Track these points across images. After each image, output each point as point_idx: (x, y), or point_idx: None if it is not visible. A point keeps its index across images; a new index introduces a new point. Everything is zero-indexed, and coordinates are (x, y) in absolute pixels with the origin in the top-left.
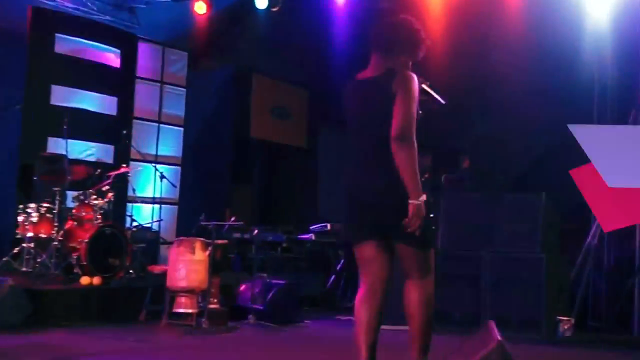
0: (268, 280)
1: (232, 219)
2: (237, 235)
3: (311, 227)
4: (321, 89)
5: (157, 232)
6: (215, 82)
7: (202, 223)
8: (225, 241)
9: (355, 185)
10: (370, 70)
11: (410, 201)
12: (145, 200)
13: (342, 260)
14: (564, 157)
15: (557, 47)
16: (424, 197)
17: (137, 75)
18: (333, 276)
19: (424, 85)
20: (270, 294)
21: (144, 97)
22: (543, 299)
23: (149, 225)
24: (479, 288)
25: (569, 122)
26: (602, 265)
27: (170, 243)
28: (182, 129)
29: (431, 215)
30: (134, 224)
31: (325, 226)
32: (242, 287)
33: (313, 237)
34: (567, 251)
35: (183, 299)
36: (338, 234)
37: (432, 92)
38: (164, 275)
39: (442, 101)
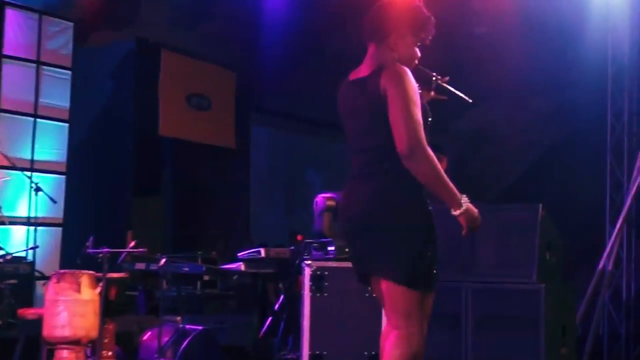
0: (182, 325)
1: (132, 243)
2: (140, 265)
3: (240, 254)
4: (253, 70)
5: (32, 264)
6: (111, 61)
7: (89, 250)
8: (124, 274)
9: (342, 208)
10: (363, 68)
11: (453, 213)
12: (16, 221)
13: (282, 297)
14: (569, 157)
15: (559, 18)
16: (465, 200)
17: (4, 53)
18: (270, 319)
19: (441, 82)
20: (184, 344)
21: (13, 82)
22: (541, 341)
23: (21, 254)
24: (459, 329)
25: (577, 113)
26: (620, 297)
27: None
28: (66, 124)
29: (429, 250)
30: (0, 253)
31: (259, 252)
32: (147, 336)
33: (243, 267)
34: (573, 279)
35: (65, 353)
36: (276, 262)
37: (452, 89)
38: (39, 321)
39: (468, 99)
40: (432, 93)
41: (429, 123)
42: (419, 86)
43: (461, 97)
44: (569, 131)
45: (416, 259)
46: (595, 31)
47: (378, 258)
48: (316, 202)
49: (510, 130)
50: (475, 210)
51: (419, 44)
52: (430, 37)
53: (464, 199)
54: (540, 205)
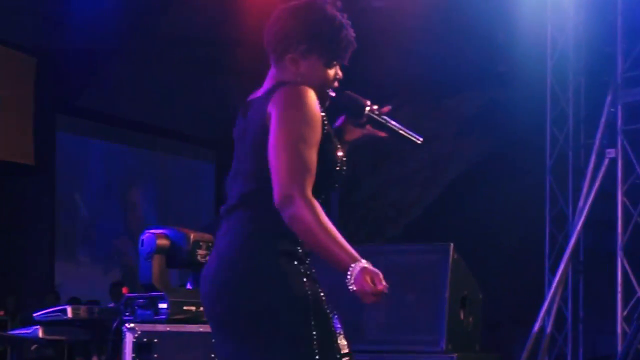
0: None
1: None
2: None
3: (38, 314)
4: (61, 56)
5: None
6: None
7: None
8: None
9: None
10: (264, 86)
11: (347, 275)
12: None
13: None
14: (495, 179)
15: None
16: (361, 264)
17: None
18: None
19: (376, 114)
20: None
21: None
22: None
23: None
24: None
25: (507, 119)
26: None
27: None
28: None
29: (327, 312)
30: None
31: (64, 311)
32: None
33: (40, 333)
34: (499, 347)
35: None
36: (88, 325)
37: (394, 123)
38: None
39: (418, 139)
40: (367, 127)
41: (337, 171)
42: (347, 120)
43: (408, 135)
44: (495, 142)
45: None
46: (530, 9)
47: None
48: (142, 240)
49: (415, 144)
50: (369, 276)
51: (334, 63)
52: (347, 55)
53: (360, 264)
54: (452, 244)
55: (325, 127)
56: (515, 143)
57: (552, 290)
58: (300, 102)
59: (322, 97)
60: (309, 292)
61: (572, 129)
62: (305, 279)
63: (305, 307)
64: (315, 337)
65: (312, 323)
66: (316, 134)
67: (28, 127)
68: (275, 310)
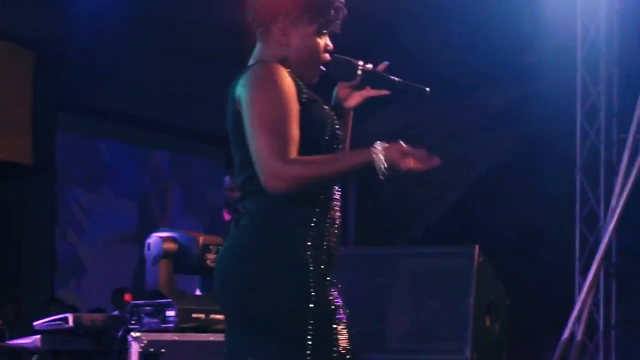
0: None
1: None
2: None
3: (38, 323)
4: (62, 48)
5: None
6: None
7: None
8: None
9: None
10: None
11: (371, 156)
12: None
13: None
14: (523, 178)
15: None
16: (377, 146)
17: None
18: None
19: (367, 70)
20: None
21: None
22: None
23: None
24: None
25: (535, 115)
26: None
27: None
28: None
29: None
30: None
31: (65, 320)
32: None
33: (40, 343)
34: (528, 354)
35: None
36: (91, 334)
37: (392, 78)
38: None
39: (423, 87)
40: (367, 89)
41: (326, 139)
42: (343, 85)
43: (409, 85)
44: (523, 138)
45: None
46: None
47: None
48: (148, 244)
49: (440, 139)
50: (401, 147)
51: (324, 31)
52: (339, 22)
53: (375, 148)
54: (477, 247)
55: (304, 96)
56: (544, 139)
57: (582, 295)
58: (266, 80)
59: (312, 68)
60: (311, 306)
61: (604, 124)
62: (312, 290)
63: (303, 322)
64: (309, 355)
65: (309, 341)
66: (290, 107)
67: (26, 125)
68: (272, 321)
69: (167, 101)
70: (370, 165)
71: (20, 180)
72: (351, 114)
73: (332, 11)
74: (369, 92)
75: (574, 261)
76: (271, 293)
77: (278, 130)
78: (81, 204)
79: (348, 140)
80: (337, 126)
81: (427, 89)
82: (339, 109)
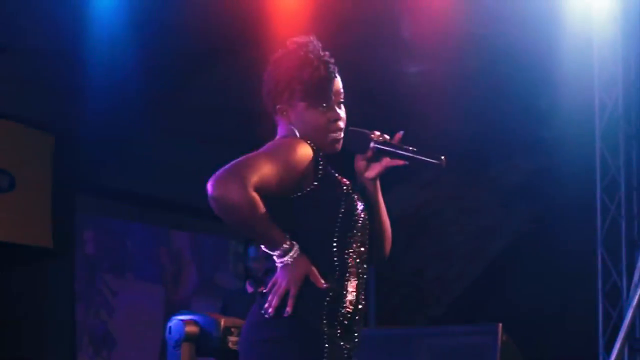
0: None
1: None
2: None
3: None
4: (80, 132)
5: None
6: None
7: None
8: None
9: None
10: None
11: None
12: None
13: None
14: (542, 249)
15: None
16: (293, 252)
17: None
18: None
19: (380, 142)
20: None
21: None
22: None
23: None
24: None
25: (555, 184)
26: None
27: None
28: None
29: None
30: None
31: None
32: None
33: None
34: None
35: None
36: None
37: (406, 150)
38: None
39: (437, 161)
40: (385, 160)
41: (342, 220)
42: (359, 157)
43: (423, 156)
44: (542, 213)
45: None
46: (576, 72)
47: None
48: (169, 327)
49: (458, 214)
50: (299, 269)
51: (323, 106)
52: (338, 93)
53: (288, 252)
54: (500, 325)
55: (320, 170)
56: (564, 213)
57: None
58: (278, 141)
59: (322, 142)
60: None
61: (625, 198)
62: (325, 353)
63: None
64: None
65: None
66: (285, 157)
67: (46, 208)
68: None
69: (185, 182)
70: (272, 250)
71: (40, 264)
72: (376, 184)
73: (320, 85)
74: (387, 163)
75: (598, 337)
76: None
77: (254, 157)
78: (110, 287)
79: (380, 208)
80: (355, 202)
81: (443, 158)
82: (362, 181)
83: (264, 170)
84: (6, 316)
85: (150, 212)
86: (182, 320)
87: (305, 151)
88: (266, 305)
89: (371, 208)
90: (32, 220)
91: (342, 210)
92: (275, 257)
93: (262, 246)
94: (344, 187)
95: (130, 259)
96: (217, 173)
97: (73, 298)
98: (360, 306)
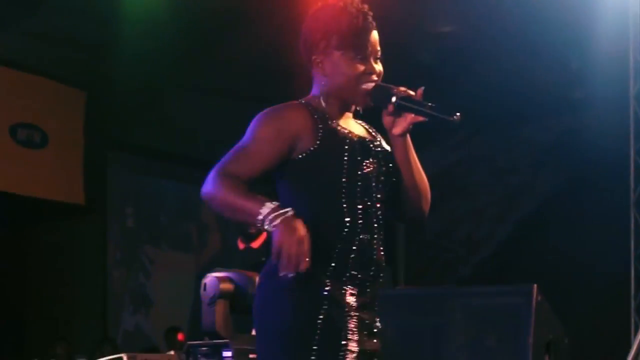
0: None
1: None
2: None
3: None
4: (112, 89)
5: None
6: None
7: None
8: None
9: None
10: None
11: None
12: None
13: None
14: (575, 213)
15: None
16: (275, 213)
17: None
18: None
19: (401, 99)
20: None
21: None
22: None
23: None
24: None
25: (586, 149)
26: None
27: None
28: None
29: None
30: None
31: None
32: None
33: None
34: None
35: None
36: None
37: (427, 106)
38: None
39: (453, 118)
40: (409, 116)
41: (345, 182)
42: (384, 113)
43: (439, 113)
44: (573, 175)
45: None
46: (610, 32)
47: None
48: (204, 284)
49: (489, 174)
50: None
51: (359, 57)
52: (375, 46)
53: (267, 208)
54: (535, 285)
55: (320, 129)
56: (596, 175)
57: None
58: (259, 116)
59: (352, 94)
60: (292, 326)
61: None
62: (321, 314)
63: (308, 341)
64: None
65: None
66: (267, 130)
67: (77, 165)
68: (262, 340)
69: (214, 141)
70: (255, 221)
71: (72, 220)
72: (406, 141)
73: (362, 34)
74: (411, 119)
75: (630, 299)
76: (281, 309)
77: (239, 149)
78: (148, 255)
79: (411, 165)
80: (359, 156)
81: (458, 115)
82: (392, 138)
83: (242, 157)
84: (39, 271)
85: (180, 169)
86: (216, 277)
87: (286, 115)
88: (280, 274)
89: (402, 165)
90: (64, 176)
91: (345, 167)
92: (265, 226)
93: (250, 224)
94: (348, 142)
95: (164, 232)
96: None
97: (105, 254)
98: (373, 263)
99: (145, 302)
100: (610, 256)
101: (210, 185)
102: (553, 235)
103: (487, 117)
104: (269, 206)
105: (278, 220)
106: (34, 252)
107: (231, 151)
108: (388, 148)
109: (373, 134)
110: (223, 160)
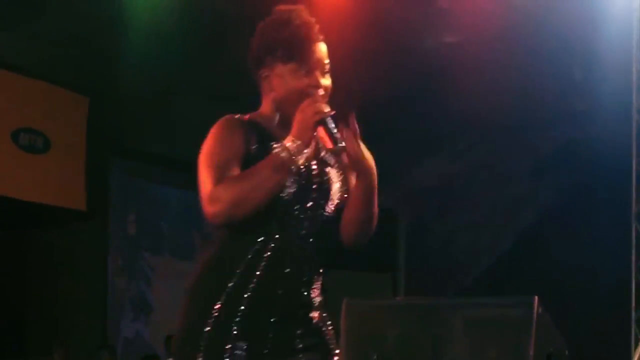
0: None
1: None
2: None
3: None
4: (115, 94)
5: None
6: None
7: None
8: None
9: None
10: None
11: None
12: None
13: None
14: (577, 224)
15: (565, 21)
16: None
17: None
18: None
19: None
20: None
21: None
22: None
23: None
24: None
25: (589, 159)
26: None
27: None
28: None
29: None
30: None
31: None
32: None
33: None
34: None
35: None
36: None
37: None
38: None
39: (335, 144)
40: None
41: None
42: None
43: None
44: (574, 185)
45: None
46: (612, 44)
47: None
48: None
49: (491, 184)
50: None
51: (303, 69)
52: (321, 59)
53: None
54: (536, 297)
55: (253, 148)
56: (597, 186)
57: None
58: (211, 132)
59: (294, 109)
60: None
61: None
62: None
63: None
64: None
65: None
66: (215, 142)
67: (80, 171)
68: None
69: None
70: (284, 163)
71: (74, 226)
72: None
73: (298, 45)
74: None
75: (630, 311)
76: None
77: (211, 160)
78: (149, 263)
79: (360, 201)
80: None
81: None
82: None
83: (204, 174)
84: (39, 276)
85: (183, 175)
86: None
87: (224, 133)
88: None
89: (355, 196)
90: (66, 182)
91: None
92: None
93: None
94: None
95: (166, 240)
96: (203, 198)
97: (106, 260)
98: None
99: (146, 309)
100: (611, 268)
101: (217, 200)
102: (554, 246)
103: (488, 127)
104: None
105: (295, 144)
106: (34, 257)
107: (203, 174)
108: (334, 176)
109: (322, 155)
110: (204, 182)
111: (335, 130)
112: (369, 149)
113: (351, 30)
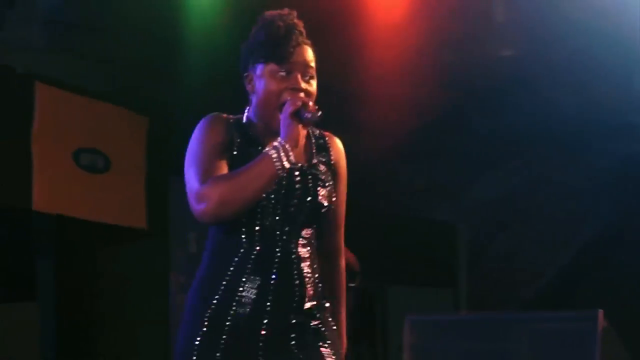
0: None
1: None
2: None
3: None
4: (174, 114)
5: None
6: None
7: None
8: None
9: None
10: None
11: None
12: None
13: None
14: (630, 240)
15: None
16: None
17: None
18: None
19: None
20: None
21: None
22: None
23: None
24: None
25: None
26: None
27: None
28: None
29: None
30: None
31: None
32: None
33: None
34: None
35: None
36: None
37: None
38: None
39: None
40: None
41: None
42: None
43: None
44: (636, 199)
45: None
46: None
47: None
48: None
49: (551, 198)
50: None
51: (282, 71)
52: (303, 62)
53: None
54: (601, 311)
55: (234, 150)
56: None
57: None
58: (196, 131)
59: (268, 112)
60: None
61: None
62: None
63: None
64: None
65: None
66: (202, 140)
67: (140, 190)
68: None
69: None
70: (273, 162)
71: (135, 245)
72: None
73: (276, 45)
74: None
75: None
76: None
77: (198, 158)
78: None
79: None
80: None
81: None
82: None
83: (191, 171)
84: (100, 298)
85: None
86: None
87: (210, 130)
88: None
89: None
90: (126, 201)
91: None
92: (285, 162)
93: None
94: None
95: None
96: (190, 197)
97: (167, 280)
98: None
99: None
100: None
101: (204, 198)
102: (617, 260)
103: (547, 141)
104: (273, 146)
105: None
106: (97, 276)
107: (190, 171)
108: (320, 179)
109: (310, 156)
110: (191, 181)
111: (308, 115)
112: (429, 166)
113: (408, 48)
